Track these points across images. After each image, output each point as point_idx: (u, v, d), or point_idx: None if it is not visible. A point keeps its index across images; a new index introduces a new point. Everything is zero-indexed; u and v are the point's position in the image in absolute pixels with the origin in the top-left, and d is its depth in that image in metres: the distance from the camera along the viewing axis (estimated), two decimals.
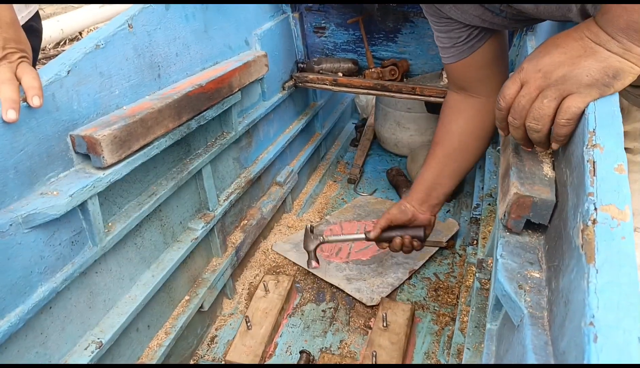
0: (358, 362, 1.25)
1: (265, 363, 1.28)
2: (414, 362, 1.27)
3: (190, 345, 1.32)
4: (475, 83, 1.02)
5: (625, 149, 0.89)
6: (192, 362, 1.31)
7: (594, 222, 0.46)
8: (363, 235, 1.19)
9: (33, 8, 1.23)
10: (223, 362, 1.28)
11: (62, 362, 0.92)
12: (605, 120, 0.57)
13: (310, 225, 1.33)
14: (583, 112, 0.61)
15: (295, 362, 1.27)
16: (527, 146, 0.72)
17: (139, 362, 1.12)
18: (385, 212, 1.18)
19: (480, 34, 0.92)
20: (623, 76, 0.59)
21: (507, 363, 0.62)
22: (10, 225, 0.78)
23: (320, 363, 1.26)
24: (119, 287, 1.06)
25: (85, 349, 0.95)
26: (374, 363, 1.20)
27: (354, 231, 1.75)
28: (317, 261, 1.30)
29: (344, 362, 1.24)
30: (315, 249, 1.30)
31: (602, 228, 0.45)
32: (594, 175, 0.51)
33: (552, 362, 0.48)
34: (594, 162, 0.53)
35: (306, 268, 1.59)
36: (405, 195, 1.18)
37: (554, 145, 0.66)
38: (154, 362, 1.12)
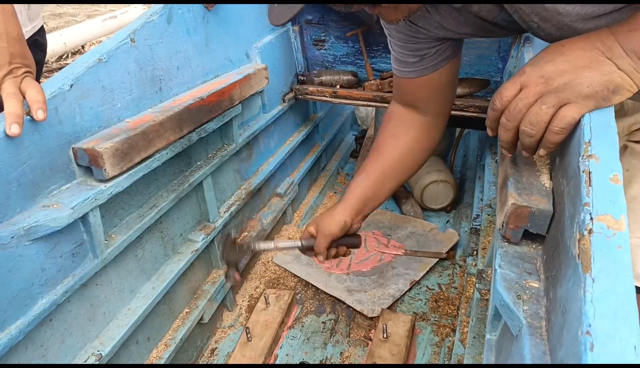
0: None
1: None
2: None
3: (190, 357, 1.31)
4: (427, 102, 1.00)
5: (638, 142, 0.88)
6: None
7: (590, 231, 0.47)
8: (299, 244, 1.07)
9: (38, 22, 1.24)
10: None
11: None
12: (600, 131, 0.58)
13: (232, 232, 1.14)
14: (578, 122, 0.61)
15: None
16: (510, 151, 0.72)
17: None
18: (325, 230, 1.04)
19: (447, 52, 0.91)
20: (622, 92, 0.59)
21: (502, 363, 0.62)
22: (12, 237, 0.78)
23: None
24: (119, 299, 1.06)
25: (85, 362, 0.95)
26: None
27: None
28: (239, 273, 1.12)
29: None
30: (239, 261, 1.11)
31: (598, 238, 0.46)
32: (589, 186, 0.52)
33: None
34: (589, 172, 0.53)
35: (306, 280, 1.59)
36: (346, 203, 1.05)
37: (542, 152, 0.66)
38: None
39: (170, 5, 1.18)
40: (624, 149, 0.85)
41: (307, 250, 1.07)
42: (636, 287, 0.46)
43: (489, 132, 0.73)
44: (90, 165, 0.92)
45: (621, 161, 0.82)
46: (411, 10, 0.68)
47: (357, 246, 1.09)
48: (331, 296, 1.52)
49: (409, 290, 1.53)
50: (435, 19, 0.84)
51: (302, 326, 1.43)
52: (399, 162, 1.04)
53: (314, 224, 1.07)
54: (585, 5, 0.65)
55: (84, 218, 0.91)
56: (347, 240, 1.06)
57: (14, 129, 0.73)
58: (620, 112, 0.86)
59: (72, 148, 0.91)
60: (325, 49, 1.88)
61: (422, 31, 0.87)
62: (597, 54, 0.59)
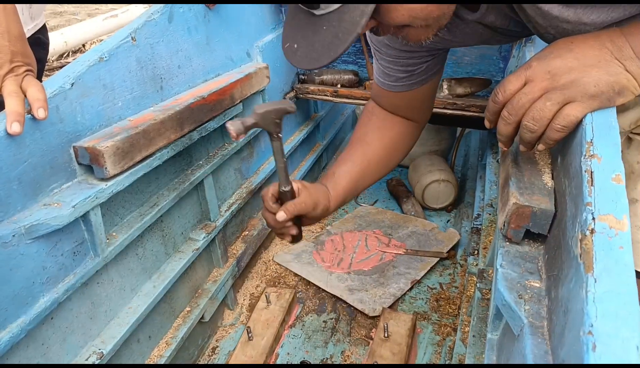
0: None
1: None
2: None
3: (191, 356, 1.31)
4: (409, 112, 1.01)
5: None
6: None
7: (592, 231, 0.47)
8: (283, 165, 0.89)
9: (40, 21, 1.24)
10: None
11: None
12: (602, 130, 0.58)
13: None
14: (580, 122, 0.61)
15: None
16: (507, 145, 0.71)
17: None
18: (312, 202, 0.93)
19: (435, 67, 0.91)
20: (626, 94, 0.59)
21: (502, 363, 0.62)
22: (13, 235, 0.78)
23: None
24: (120, 298, 1.06)
25: (86, 360, 0.95)
26: None
27: (355, 242, 1.75)
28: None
29: None
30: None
31: (600, 238, 0.46)
32: (591, 185, 0.52)
33: None
34: (591, 172, 0.53)
35: (307, 279, 1.59)
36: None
37: (541, 147, 0.65)
38: None
39: (171, 4, 1.18)
40: (628, 141, 0.84)
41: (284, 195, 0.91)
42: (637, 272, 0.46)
43: (487, 124, 0.71)
44: (91, 163, 0.92)
45: (629, 155, 0.80)
46: (440, 26, 0.66)
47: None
48: (332, 295, 1.52)
49: (410, 289, 1.53)
50: (440, 34, 0.83)
51: (303, 325, 1.43)
52: (384, 155, 1.01)
53: (308, 190, 0.94)
54: (612, 13, 0.62)
55: (84, 216, 0.91)
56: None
57: (15, 128, 0.73)
58: (623, 107, 0.85)
59: (73, 146, 0.91)
60: None
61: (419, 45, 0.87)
62: (606, 54, 0.59)
